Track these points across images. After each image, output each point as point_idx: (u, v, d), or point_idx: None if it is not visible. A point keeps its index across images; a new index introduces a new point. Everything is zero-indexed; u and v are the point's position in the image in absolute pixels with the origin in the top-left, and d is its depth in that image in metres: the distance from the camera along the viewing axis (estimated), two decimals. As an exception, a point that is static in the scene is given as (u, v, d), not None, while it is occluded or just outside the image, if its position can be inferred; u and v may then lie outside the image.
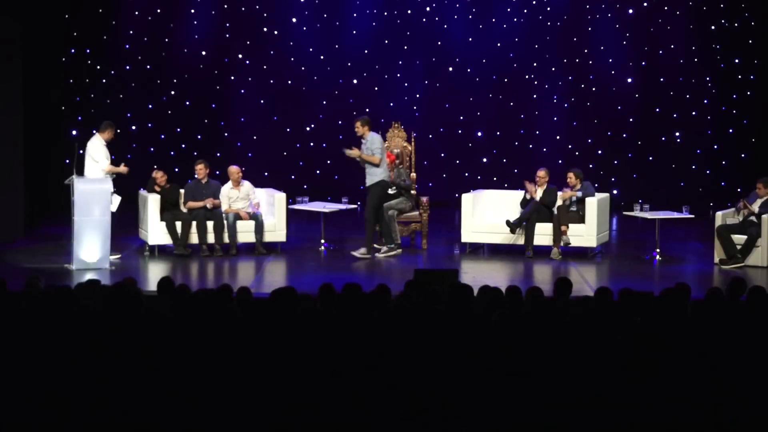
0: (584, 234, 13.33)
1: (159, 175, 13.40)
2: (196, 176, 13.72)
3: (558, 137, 17.81)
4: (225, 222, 13.32)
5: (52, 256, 12.87)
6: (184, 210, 13.41)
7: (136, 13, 17.41)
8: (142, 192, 13.48)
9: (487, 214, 13.98)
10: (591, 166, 17.41)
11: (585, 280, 11.98)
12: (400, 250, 13.55)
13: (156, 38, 17.46)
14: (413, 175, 14.28)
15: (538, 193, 13.54)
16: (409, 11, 17.83)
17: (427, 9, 17.79)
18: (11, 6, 14.24)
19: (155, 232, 13.18)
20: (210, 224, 13.30)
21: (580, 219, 13.39)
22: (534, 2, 17.69)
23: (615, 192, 16.87)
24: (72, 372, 6.15)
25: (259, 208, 13.61)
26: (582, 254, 13.38)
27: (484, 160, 17.96)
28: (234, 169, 13.66)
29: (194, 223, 13.27)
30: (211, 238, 13.31)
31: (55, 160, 16.20)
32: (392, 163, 13.96)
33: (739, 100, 17.42)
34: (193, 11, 17.61)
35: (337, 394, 6.01)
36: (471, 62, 17.79)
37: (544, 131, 17.84)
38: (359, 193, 16.18)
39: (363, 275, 12.05)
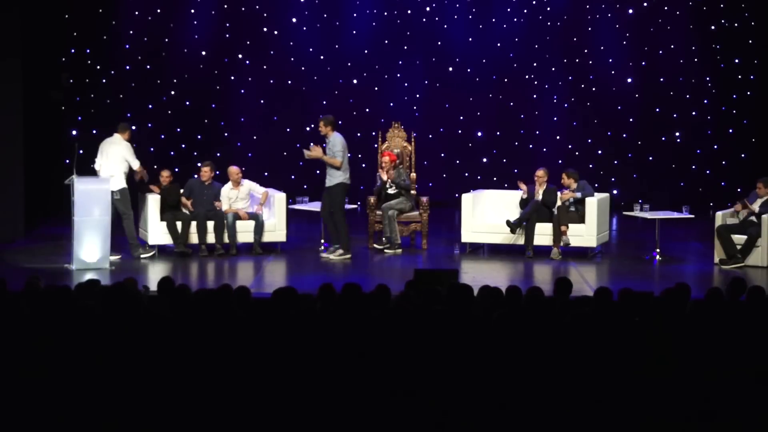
0: (584, 234, 13.34)
1: (166, 174, 13.40)
2: (197, 176, 13.73)
3: (558, 137, 17.81)
4: (225, 222, 13.32)
5: (52, 256, 12.86)
6: (185, 210, 13.42)
7: (136, 13, 17.40)
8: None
9: (487, 214, 13.98)
10: (591, 166, 17.42)
11: (585, 280, 11.98)
12: (400, 250, 13.57)
13: (156, 38, 17.45)
14: (413, 175, 14.28)
15: (539, 193, 13.54)
16: (409, 11, 17.83)
17: (427, 9, 17.79)
18: (11, 6, 14.23)
19: (155, 232, 13.18)
20: (210, 224, 13.31)
21: (580, 219, 13.39)
22: (534, 2, 17.69)
23: (615, 192, 16.87)
24: (72, 372, 6.15)
25: (267, 198, 13.59)
26: (582, 254, 13.38)
27: (484, 160, 17.96)
28: (234, 170, 13.66)
29: (194, 223, 13.28)
30: (211, 238, 13.32)
31: (55, 160, 16.19)
32: (391, 163, 13.97)
33: (739, 100, 17.43)
34: (193, 11, 17.61)
35: (337, 394, 6.01)
36: (471, 62, 17.79)
37: (544, 131, 17.84)
38: (359, 193, 16.19)
39: (363, 275, 12.05)
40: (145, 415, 5.97)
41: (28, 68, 14.72)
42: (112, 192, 12.76)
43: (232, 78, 17.75)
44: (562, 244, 13.27)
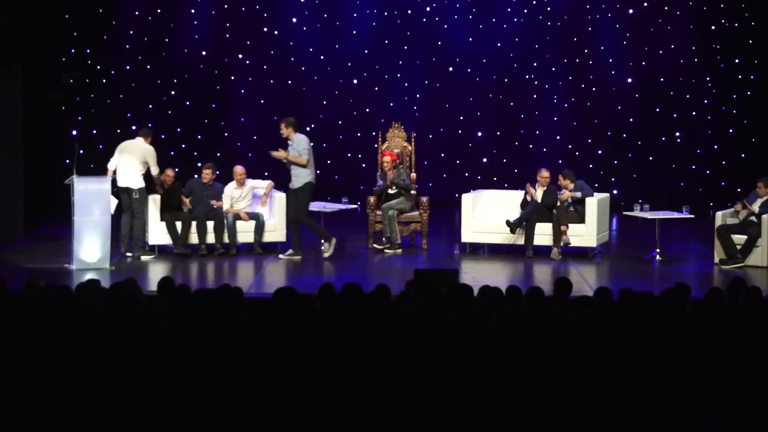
0: (584, 234, 13.34)
1: (170, 174, 13.40)
2: (197, 176, 13.75)
3: (558, 137, 17.81)
4: (225, 222, 13.32)
5: (52, 256, 12.86)
6: (185, 210, 13.42)
7: (136, 13, 17.40)
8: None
9: (487, 214, 13.98)
10: (591, 166, 17.43)
11: (585, 280, 11.98)
12: (400, 250, 13.57)
13: (156, 38, 17.46)
14: (413, 175, 14.28)
15: (539, 194, 13.54)
16: (409, 11, 17.83)
17: (427, 9, 17.79)
18: (11, 6, 14.23)
19: (155, 232, 13.18)
20: (210, 224, 13.32)
21: (580, 219, 13.39)
22: (534, 2, 17.69)
23: (615, 192, 16.87)
24: (72, 372, 6.15)
25: (271, 191, 13.62)
26: (582, 254, 13.38)
27: (484, 160, 17.96)
28: (239, 170, 13.67)
29: (194, 223, 13.28)
30: (211, 238, 13.32)
31: (55, 160, 16.19)
32: (392, 163, 13.97)
33: (739, 100, 17.43)
34: (193, 11, 17.61)
35: (337, 394, 6.01)
36: (471, 62, 17.79)
37: (544, 131, 17.84)
38: (359, 193, 16.19)
39: (363, 275, 12.05)
40: (145, 415, 5.97)
41: (28, 68, 14.72)
42: (132, 191, 12.82)
43: (232, 78, 17.75)
44: (562, 243, 13.27)
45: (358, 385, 6.07)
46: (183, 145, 17.66)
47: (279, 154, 13.19)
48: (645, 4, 17.56)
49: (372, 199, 13.91)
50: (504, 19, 17.73)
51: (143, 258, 12.95)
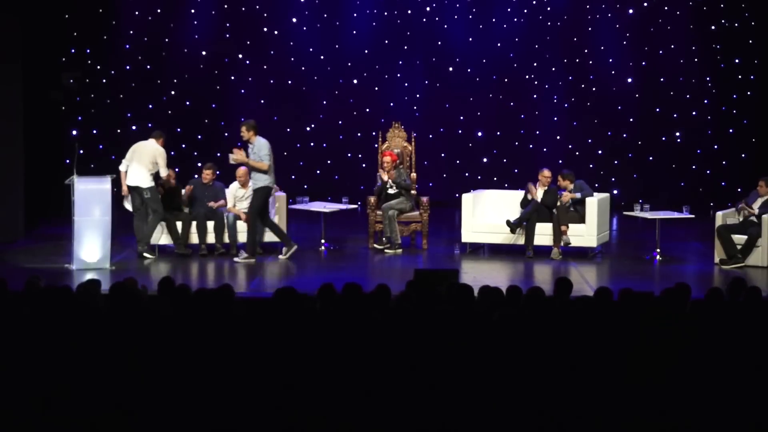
0: (584, 234, 13.34)
1: (172, 174, 13.40)
2: (198, 176, 13.76)
3: (558, 137, 17.81)
4: (225, 222, 13.33)
5: (52, 256, 12.87)
6: (185, 209, 13.43)
7: (136, 13, 17.41)
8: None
9: (487, 214, 13.98)
10: (591, 166, 17.43)
11: (585, 280, 11.98)
12: (400, 250, 13.58)
13: (156, 38, 17.46)
14: (413, 175, 14.28)
15: (539, 194, 13.54)
16: (409, 11, 17.83)
17: (427, 9, 17.79)
18: (11, 6, 14.23)
19: (155, 232, 13.17)
20: (210, 224, 13.32)
21: (580, 219, 13.39)
22: (534, 2, 17.69)
23: (615, 192, 16.87)
24: (72, 372, 6.15)
25: (276, 192, 13.61)
26: (582, 254, 13.38)
27: (484, 160, 17.96)
28: (242, 170, 13.66)
29: (194, 223, 13.29)
30: (211, 238, 13.32)
31: (55, 161, 16.19)
32: (393, 163, 13.97)
33: (739, 100, 17.43)
34: (193, 11, 17.61)
35: (337, 394, 6.01)
36: (471, 62, 17.79)
37: (544, 131, 17.84)
38: (359, 193, 16.19)
39: (363, 275, 12.05)
40: (145, 415, 5.97)
41: (29, 68, 14.72)
42: (142, 190, 12.87)
43: (232, 78, 17.76)
44: (562, 243, 13.27)
45: (358, 384, 6.07)
46: (183, 145, 17.66)
47: (238, 157, 12.99)
48: (645, 4, 17.56)
49: (372, 199, 13.91)
50: (504, 19, 17.73)
51: (147, 256, 12.93)
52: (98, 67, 17.32)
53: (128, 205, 13.15)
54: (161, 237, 13.22)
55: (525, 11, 17.69)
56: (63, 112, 16.88)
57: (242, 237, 13.42)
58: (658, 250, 13.27)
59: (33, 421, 5.93)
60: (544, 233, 13.36)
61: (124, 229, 13.55)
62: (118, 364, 6.21)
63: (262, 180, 12.95)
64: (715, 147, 17.57)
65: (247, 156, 12.99)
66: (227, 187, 13.71)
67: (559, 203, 13.42)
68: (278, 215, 13.67)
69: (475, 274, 12.12)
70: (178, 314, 7.00)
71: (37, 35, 15.29)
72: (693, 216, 13.44)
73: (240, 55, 17.75)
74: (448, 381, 6.07)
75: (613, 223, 15.39)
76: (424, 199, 13.90)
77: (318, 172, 17.92)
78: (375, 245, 13.76)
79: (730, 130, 17.52)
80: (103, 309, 7.16)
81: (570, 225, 13.32)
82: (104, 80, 17.41)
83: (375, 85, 17.87)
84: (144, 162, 12.97)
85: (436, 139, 17.76)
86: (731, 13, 17.29)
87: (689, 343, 6.59)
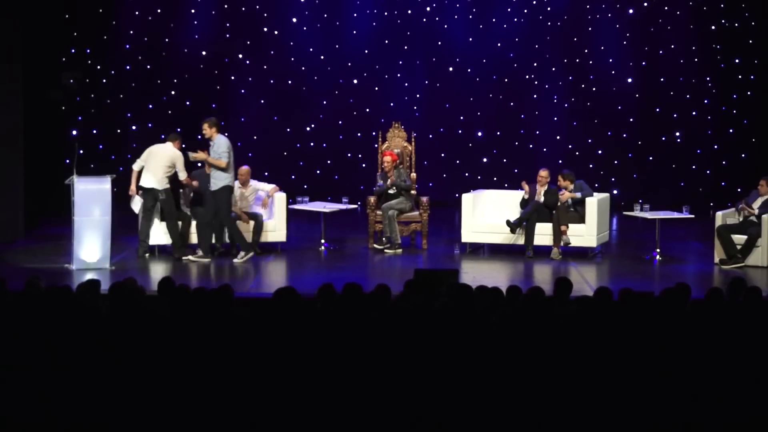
0: (584, 234, 13.34)
1: (189, 180, 13.37)
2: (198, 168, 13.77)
3: (558, 137, 17.81)
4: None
5: (52, 256, 12.86)
6: (187, 210, 13.40)
7: (136, 13, 17.40)
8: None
9: (487, 214, 13.98)
10: (591, 166, 17.42)
11: (585, 280, 11.98)
12: (400, 250, 13.58)
13: (156, 38, 17.46)
14: (413, 175, 14.28)
15: (540, 194, 13.54)
16: (409, 11, 17.83)
17: (427, 9, 17.78)
18: (11, 6, 14.23)
19: (155, 232, 13.17)
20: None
21: (580, 219, 13.39)
22: (534, 2, 17.69)
23: (615, 192, 16.86)
24: (72, 372, 6.15)
25: (276, 193, 13.58)
26: (582, 254, 13.38)
27: (484, 160, 17.96)
28: (244, 170, 13.65)
29: (194, 223, 13.27)
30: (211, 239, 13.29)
31: (55, 160, 16.19)
32: (393, 163, 13.97)
33: (739, 100, 17.42)
34: (193, 11, 17.61)
35: (337, 394, 6.01)
36: (471, 62, 17.79)
37: (544, 131, 17.83)
38: (359, 193, 16.18)
39: (363, 275, 12.05)
40: (145, 415, 5.97)
41: (29, 68, 14.71)
42: (158, 191, 12.82)
43: (232, 78, 17.75)
44: (562, 243, 13.27)
45: (358, 384, 6.07)
46: (183, 145, 17.61)
47: (198, 155, 12.87)
48: (645, 4, 17.55)
49: (372, 199, 13.91)
50: (504, 19, 17.72)
51: (190, 258, 12.83)
52: (98, 67, 17.32)
53: (135, 207, 13.06)
54: (161, 237, 13.21)
55: (525, 11, 17.69)
56: (63, 112, 16.88)
57: (242, 237, 13.42)
58: (658, 250, 13.27)
59: (33, 421, 5.93)
60: (544, 233, 13.36)
61: (124, 229, 13.56)
62: (118, 364, 6.21)
63: (222, 179, 12.78)
64: (715, 147, 17.57)
65: (209, 154, 12.89)
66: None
67: (559, 203, 13.42)
68: (278, 215, 13.67)
69: (475, 274, 12.11)
70: (177, 314, 7.00)
71: (37, 35, 15.29)
72: (693, 216, 13.44)
73: (240, 55, 17.75)
74: (449, 381, 6.07)
75: (613, 223, 15.39)
76: (424, 199, 13.90)
77: (318, 172, 17.92)
78: (375, 245, 13.76)
79: (730, 130, 17.52)
80: (103, 309, 7.16)
81: (570, 225, 13.32)
82: (104, 80, 17.41)
83: (375, 85, 17.87)
84: (161, 165, 12.93)
85: (436, 139, 17.76)
86: (731, 13, 17.29)
87: (689, 343, 6.59)
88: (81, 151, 13.03)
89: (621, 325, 6.82)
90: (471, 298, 7.43)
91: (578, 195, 13.46)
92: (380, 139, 14.58)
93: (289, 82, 17.82)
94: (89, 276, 10.54)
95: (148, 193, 12.96)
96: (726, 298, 7.83)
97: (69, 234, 12.46)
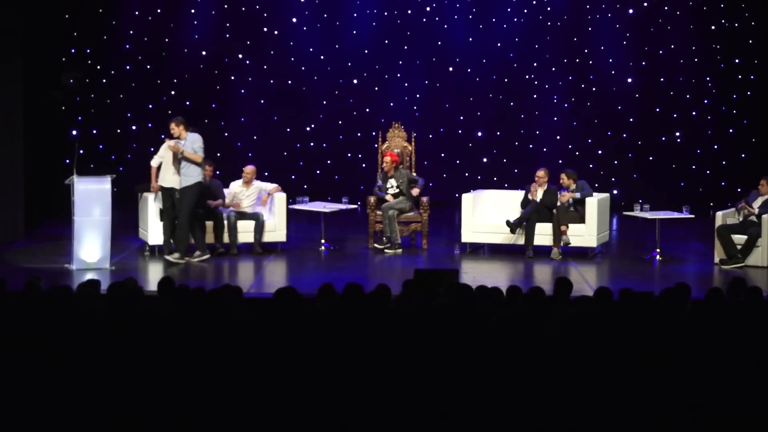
0: (584, 234, 13.34)
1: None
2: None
3: (558, 137, 17.81)
4: (226, 222, 13.31)
5: (52, 256, 12.86)
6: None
7: (136, 13, 17.41)
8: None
9: (487, 214, 13.98)
10: (591, 166, 17.42)
11: (585, 280, 11.98)
12: (400, 250, 13.58)
13: (156, 38, 17.46)
14: (413, 175, 14.27)
15: (538, 194, 13.54)
16: (409, 11, 17.83)
17: (427, 9, 17.78)
18: (11, 6, 14.23)
19: (155, 232, 13.15)
20: (210, 224, 13.28)
21: (580, 219, 13.39)
22: (534, 2, 17.69)
23: (615, 192, 16.86)
24: (72, 372, 6.15)
25: (276, 192, 13.57)
26: (582, 254, 13.38)
27: (484, 160, 17.96)
28: (249, 169, 13.66)
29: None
30: (211, 238, 13.29)
31: (55, 160, 16.19)
32: (393, 163, 13.97)
33: (739, 100, 17.42)
34: (193, 11, 17.61)
35: (337, 394, 6.01)
36: (471, 62, 17.79)
37: (544, 131, 17.84)
38: (359, 193, 16.18)
39: (363, 275, 12.05)
40: (145, 415, 5.97)
41: (29, 68, 14.71)
42: (176, 191, 12.70)
43: (232, 78, 17.75)
44: (562, 243, 13.27)
45: (358, 384, 6.07)
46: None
47: (175, 147, 12.69)
48: (645, 4, 17.56)
49: (372, 199, 13.91)
50: (504, 19, 17.72)
51: (199, 259, 12.73)
52: (98, 67, 17.33)
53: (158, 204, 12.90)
54: (161, 237, 13.20)
55: (525, 11, 17.69)
56: (63, 112, 16.86)
57: (242, 237, 13.41)
58: (658, 250, 13.27)
59: (34, 420, 5.93)
60: (544, 233, 13.36)
61: (124, 229, 13.56)
62: (118, 365, 6.21)
63: (194, 175, 12.68)
64: (715, 147, 17.57)
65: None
66: (226, 186, 13.70)
67: (559, 203, 13.42)
68: (278, 215, 13.67)
69: (475, 274, 12.12)
70: (177, 314, 7.00)
71: (37, 35, 15.28)
72: (693, 216, 13.45)
73: (240, 55, 17.75)
74: (449, 381, 6.07)
75: (613, 223, 15.39)
76: (424, 199, 13.89)
77: (318, 172, 17.92)
78: (375, 245, 13.76)
79: (730, 130, 17.52)
80: (102, 309, 7.16)
81: (570, 225, 13.32)
82: (104, 80, 17.42)
83: (375, 85, 17.87)
84: (175, 163, 12.85)
85: (436, 139, 17.76)
86: (731, 13, 17.29)
87: (689, 343, 6.59)
88: (81, 151, 13.03)
89: (621, 325, 6.82)
90: (471, 298, 7.43)
91: (578, 195, 13.46)
92: (380, 139, 14.58)
93: (289, 82, 17.82)
94: (89, 276, 10.55)
95: (165, 192, 12.83)
96: (726, 298, 7.83)
97: (69, 234, 12.46)
